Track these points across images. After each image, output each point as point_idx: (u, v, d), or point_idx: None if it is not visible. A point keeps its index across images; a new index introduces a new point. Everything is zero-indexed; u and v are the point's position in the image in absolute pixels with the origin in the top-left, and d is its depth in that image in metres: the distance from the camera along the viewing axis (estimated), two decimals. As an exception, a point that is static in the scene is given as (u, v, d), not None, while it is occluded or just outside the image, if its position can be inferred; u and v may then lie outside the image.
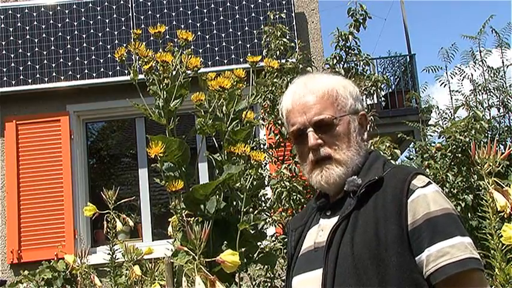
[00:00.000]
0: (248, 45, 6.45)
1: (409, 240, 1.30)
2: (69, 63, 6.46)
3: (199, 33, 6.43)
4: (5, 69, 6.44)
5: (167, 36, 5.57)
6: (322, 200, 1.53)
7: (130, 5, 6.60)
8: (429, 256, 1.28)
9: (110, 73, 6.42)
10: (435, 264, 1.27)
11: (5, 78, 6.42)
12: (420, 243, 1.29)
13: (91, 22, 6.59)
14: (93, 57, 6.49)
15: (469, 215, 3.96)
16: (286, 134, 4.35)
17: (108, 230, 2.46)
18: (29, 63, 6.46)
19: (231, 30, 6.53)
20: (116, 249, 2.50)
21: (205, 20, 6.57)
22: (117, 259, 2.53)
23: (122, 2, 6.63)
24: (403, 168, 1.49)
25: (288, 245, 1.59)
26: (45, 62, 6.46)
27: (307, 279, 1.42)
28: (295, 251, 1.53)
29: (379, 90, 5.43)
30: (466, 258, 1.26)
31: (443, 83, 5.76)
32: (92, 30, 6.57)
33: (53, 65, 6.46)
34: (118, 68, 6.37)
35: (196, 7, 6.60)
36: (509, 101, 5.47)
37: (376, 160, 1.48)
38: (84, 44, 6.53)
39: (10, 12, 6.60)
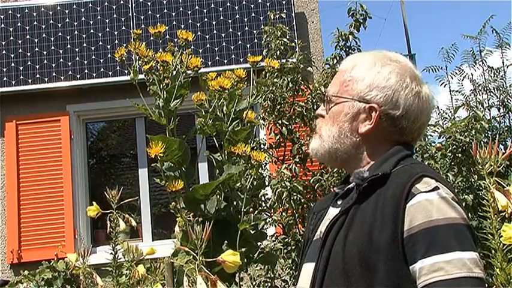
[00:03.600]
0: (248, 45, 6.44)
1: (404, 247, 1.21)
2: (69, 63, 6.46)
3: (199, 33, 6.42)
4: (5, 69, 6.43)
5: (167, 36, 5.57)
6: (341, 186, 1.48)
7: (130, 5, 6.60)
8: (422, 269, 1.19)
9: (110, 73, 6.42)
10: (427, 278, 1.18)
11: (5, 78, 6.41)
12: (414, 253, 1.21)
13: (91, 22, 6.59)
14: (93, 57, 6.49)
15: (470, 215, 3.96)
16: (286, 134, 4.35)
17: (111, 230, 2.46)
18: (29, 63, 6.46)
19: (231, 30, 6.53)
20: (118, 249, 2.50)
21: (205, 20, 6.57)
22: (118, 259, 2.53)
23: (122, 2, 6.62)
24: (412, 167, 1.33)
25: (306, 227, 1.54)
26: (45, 62, 6.46)
27: (308, 269, 1.37)
28: (312, 235, 1.46)
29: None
30: (461, 277, 1.15)
31: (443, 83, 5.76)
32: (92, 30, 6.57)
33: (53, 65, 6.45)
34: (118, 68, 6.37)
35: (196, 7, 6.60)
36: (509, 101, 5.46)
37: (395, 154, 1.37)
38: (84, 44, 6.52)
39: (10, 12, 6.59)
